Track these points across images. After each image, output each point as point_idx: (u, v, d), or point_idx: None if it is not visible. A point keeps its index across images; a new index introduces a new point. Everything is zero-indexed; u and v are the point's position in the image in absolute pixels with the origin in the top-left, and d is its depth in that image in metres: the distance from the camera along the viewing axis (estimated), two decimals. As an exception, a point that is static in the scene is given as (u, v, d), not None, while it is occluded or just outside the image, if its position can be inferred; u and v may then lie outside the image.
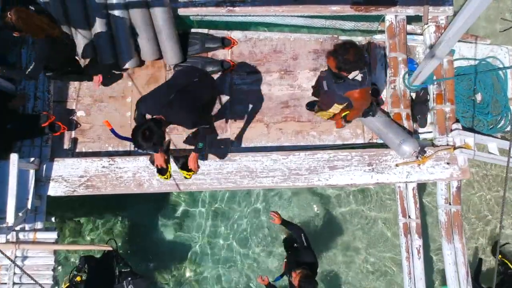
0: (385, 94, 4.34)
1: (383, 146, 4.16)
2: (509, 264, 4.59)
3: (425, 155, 3.89)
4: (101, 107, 4.33)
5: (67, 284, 3.76)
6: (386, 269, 5.01)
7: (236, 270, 4.95)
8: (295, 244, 3.77)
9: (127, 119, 4.28)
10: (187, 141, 4.15)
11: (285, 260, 3.94)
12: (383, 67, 4.38)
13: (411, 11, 4.31)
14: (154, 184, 3.97)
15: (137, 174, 3.98)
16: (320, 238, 4.92)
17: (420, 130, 4.30)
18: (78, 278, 3.69)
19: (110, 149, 4.25)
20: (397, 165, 4.00)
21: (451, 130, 4.12)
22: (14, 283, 3.79)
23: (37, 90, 4.17)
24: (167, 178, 3.56)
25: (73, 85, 4.34)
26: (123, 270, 3.83)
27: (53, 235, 3.88)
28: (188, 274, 4.90)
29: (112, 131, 3.78)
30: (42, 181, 3.93)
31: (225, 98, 4.33)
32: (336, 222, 5.08)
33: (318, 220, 5.06)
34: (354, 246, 5.05)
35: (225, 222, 5.00)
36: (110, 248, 3.79)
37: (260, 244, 4.99)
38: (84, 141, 4.27)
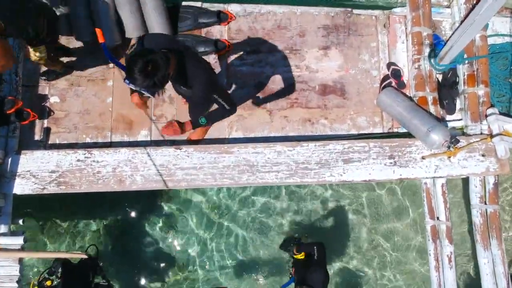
0: (407, 76, 3.74)
1: (406, 136, 3.57)
2: None
3: (457, 145, 3.28)
4: (78, 92, 3.75)
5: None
6: (410, 281, 4.41)
7: (235, 277, 4.36)
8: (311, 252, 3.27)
9: (107, 106, 3.71)
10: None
11: (293, 266, 3.46)
12: (404, 45, 3.80)
13: (437, -21, 3.74)
14: (138, 180, 3.39)
15: (117, 169, 3.39)
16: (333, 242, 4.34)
17: (448, 117, 3.72)
18: (48, 282, 3.14)
19: (88, 140, 3.67)
20: (423, 158, 3.41)
21: (486, 116, 3.54)
22: (-29, 298, 3.24)
23: (3, 72, 3.59)
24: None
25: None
26: (100, 283, 3.28)
27: (18, 241, 3.31)
28: (179, 282, 4.33)
29: (103, 46, 3.01)
30: (6, 177, 3.36)
31: (221, 81, 3.75)
32: (349, 222, 4.50)
33: (328, 221, 4.49)
34: (372, 254, 4.46)
35: (221, 223, 4.42)
36: (85, 256, 3.23)
37: (260, 248, 4.41)
38: (58, 131, 3.69)
